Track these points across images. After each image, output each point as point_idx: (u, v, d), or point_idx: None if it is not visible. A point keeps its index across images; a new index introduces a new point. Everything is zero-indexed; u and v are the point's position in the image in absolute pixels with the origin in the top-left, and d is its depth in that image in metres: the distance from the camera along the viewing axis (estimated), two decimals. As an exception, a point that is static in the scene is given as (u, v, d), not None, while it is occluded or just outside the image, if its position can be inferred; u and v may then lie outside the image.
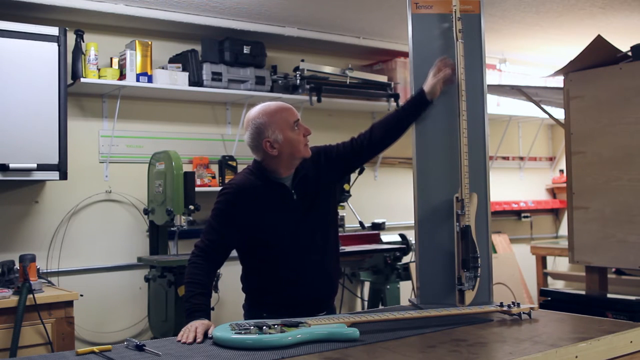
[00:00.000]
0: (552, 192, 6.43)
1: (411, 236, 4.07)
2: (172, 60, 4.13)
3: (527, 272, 5.71)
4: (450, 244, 2.36)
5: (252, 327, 1.87)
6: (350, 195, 4.33)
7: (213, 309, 2.16)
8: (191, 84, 4.05)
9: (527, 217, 6.10)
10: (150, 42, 3.91)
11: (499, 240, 5.69)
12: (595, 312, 2.58)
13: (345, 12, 4.20)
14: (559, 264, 6.15)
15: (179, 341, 1.93)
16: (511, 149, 6.08)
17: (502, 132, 5.74)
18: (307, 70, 4.43)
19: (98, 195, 3.98)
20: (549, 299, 3.07)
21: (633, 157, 3.05)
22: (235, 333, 1.85)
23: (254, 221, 2.23)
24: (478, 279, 2.32)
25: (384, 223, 4.82)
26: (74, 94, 3.84)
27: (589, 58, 3.13)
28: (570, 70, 3.27)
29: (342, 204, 4.32)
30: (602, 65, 3.17)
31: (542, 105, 4.01)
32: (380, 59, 4.97)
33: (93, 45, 3.75)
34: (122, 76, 3.84)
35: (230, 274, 3.09)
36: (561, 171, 6.25)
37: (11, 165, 3.27)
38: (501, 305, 2.16)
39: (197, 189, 3.81)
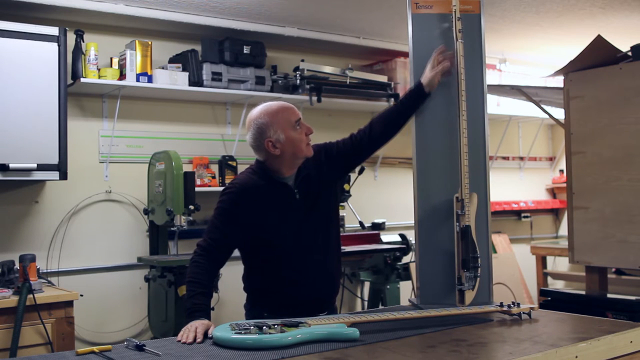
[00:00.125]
0: (552, 192, 6.43)
1: (411, 236, 4.07)
2: (172, 60, 4.13)
3: (527, 272, 5.71)
4: (450, 244, 2.36)
5: (252, 327, 1.87)
6: (350, 195, 4.33)
7: (213, 309, 2.16)
8: (191, 84, 4.05)
9: (527, 217, 6.10)
10: (150, 42, 3.91)
11: (499, 240, 5.69)
12: (595, 312, 2.58)
13: (345, 12, 4.20)
14: (559, 264, 6.15)
15: (179, 341, 1.93)
16: (511, 149, 6.08)
17: (502, 132, 5.74)
18: (307, 70, 4.43)
19: (98, 195, 3.98)
20: (549, 299, 3.07)
21: (633, 157, 3.05)
22: (235, 333, 1.85)
23: (256, 221, 2.23)
24: (478, 279, 2.32)
25: (384, 223, 4.82)
26: (74, 94, 3.84)
27: (589, 58, 3.13)
28: (570, 70, 3.27)
29: (342, 204, 4.32)
30: (602, 65, 3.17)
31: (542, 105, 4.01)
32: (380, 59, 4.97)
33: (93, 45, 3.75)
34: (122, 76, 3.84)
35: (231, 274, 3.09)
36: (561, 171, 6.25)
37: (11, 165, 3.27)
38: (501, 305, 2.16)
39: (197, 189, 3.81)
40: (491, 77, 5.22)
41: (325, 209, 2.34)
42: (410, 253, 4.48)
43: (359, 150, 2.41)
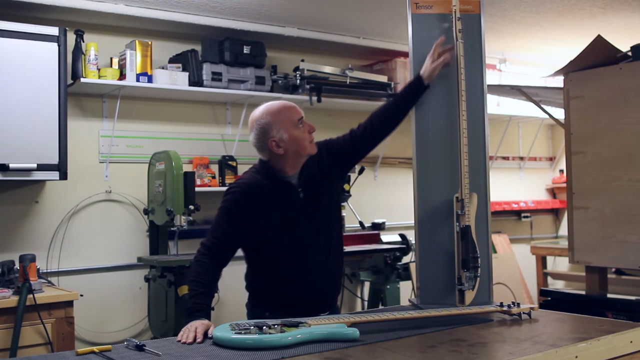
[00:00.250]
0: (552, 192, 6.43)
1: (411, 236, 4.07)
2: (172, 60, 4.13)
3: (527, 272, 5.70)
4: (450, 244, 2.36)
5: (252, 327, 1.87)
6: (350, 195, 4.33)
7: (213, 309, 2.16)
8: (191, 84, 4.05)
9: (527, 217, 6.10)
10: (150, 42, 3.91)
11: (499, 240, 5.69)
12: (595, 312, 2.58)
13: (345, 12, 4.20)
14: (559, 264, 6.15)
15: (179, 341, 1.93)
16: (511, 149, 6.08)
17: (502, 132, 5.74)
18: (307, 70, 4.43)
19: (98, 195, 3.98)
20: (549, 299, 3.07)
21: (633, 157, 3.05)
22: (235, 333, 1.85)
23: (261, 220, 2.24)
24: (478, 279, 2.32)
25: (384, 223, 4.82)
26: (74, 94, 3.84)
27: (589, 58, 3.13)
28: (570, 70, 3.27)
29: (342, 204, 4.32)
30: (602, 65, 3.16)
31: (542, 105, 4.00)
32: (380, 59, 4.97)
33: (93, 45, 3.75)
34: (122, 76, 3.84)
35: (231, 273, 3.07)
36: (561, 171, 6.25)
37: (11, 165, 3.27)
38: (501, 305, 2.16)
39: (197, 189, 3.81)
40: (491, 77, 5.22)
41: (328, 208, 2.35)
42: (410, 253, 4.48)
43: (360, 145, 2.40)
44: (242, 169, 4.26)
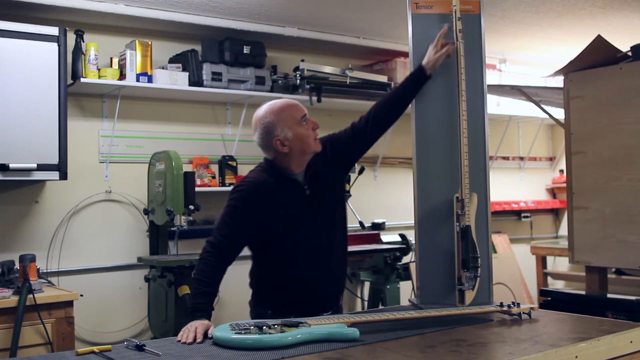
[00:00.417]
0: (552, 192, 6.43)
1: (411, 236, 4.07)
2: (172, 60, 4.13)
3: (527, 272, 5.71)
4: (450, 244, 2.36)
5: (252, 327, 1.87)
6: (350, 195, 4.33)
7: (213, 309, 2.16)
8: (191, 84, 4.05)
9: (527, 217, 6.10)
10: (150, 42, 3.91)
11: (499, 240, 5.69)
12: (595, 312, 2.58)
13: (345, 12, 4.20)
14: (559, 264, 6.15)
15: (179, 341, 1.93)
16: (511, 149, 6.08)
17: (502, 132, 5.74)
18: (307, 70, 4.43)
19: (98, 195, 3.98)
20: (549, 299, 3.07)
21: (633, 157, 3.05)
22: (235, 333, 1.85)
23: (268, 218, 2.24)
24: (478, 279, 2.32)
25: (384, 223, 4.83)
26: (74, 94, 3.84)
27: (589, 58, 3.13)
28: (570, 70, 3.27)
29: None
30: (602, 65, 3.16)
31: (542, 105, 4.00)
32: (380, 59, 4.97)
33: (93, 45, 3.75)
34: (122, 76, 3.84)
35: (232, 273, 3.06)
36: (561, 171, 6.25)
37: (11, 165, 3.27)
38: (501, 305, 2.16)
39: (197, 189, 3.81)
40: (491, 77, 5.22)
41: (333, 206, 2.35)
42: (410, 253, 4.48)
43: (363, 137, 2.40)
44: (242, 169, 4.27)
